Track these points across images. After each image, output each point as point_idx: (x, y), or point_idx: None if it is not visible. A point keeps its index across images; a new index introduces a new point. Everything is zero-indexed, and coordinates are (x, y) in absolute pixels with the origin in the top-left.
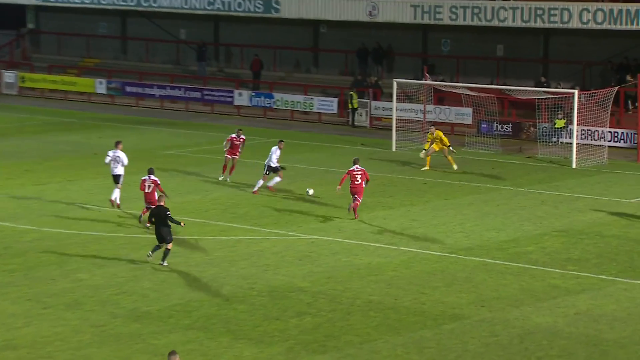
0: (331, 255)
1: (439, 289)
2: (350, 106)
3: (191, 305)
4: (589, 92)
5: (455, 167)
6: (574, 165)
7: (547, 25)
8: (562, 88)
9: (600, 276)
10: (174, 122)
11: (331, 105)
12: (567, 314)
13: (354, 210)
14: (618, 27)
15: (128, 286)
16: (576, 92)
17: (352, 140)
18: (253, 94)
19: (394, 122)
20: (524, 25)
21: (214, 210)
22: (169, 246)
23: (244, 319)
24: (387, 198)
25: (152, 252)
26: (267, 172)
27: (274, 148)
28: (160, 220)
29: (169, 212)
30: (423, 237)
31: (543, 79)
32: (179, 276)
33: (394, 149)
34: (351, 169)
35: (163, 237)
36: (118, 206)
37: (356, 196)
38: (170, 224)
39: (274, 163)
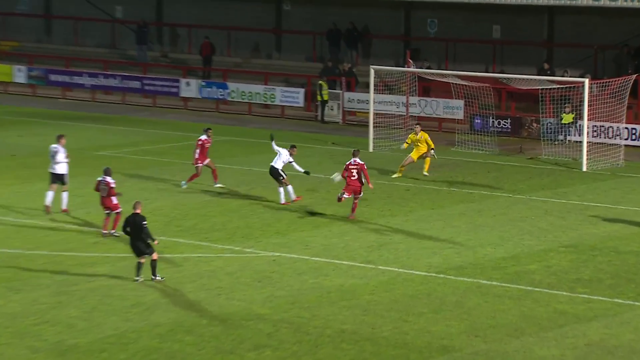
0: (296, 276)
1: (425, 316)
2: (319, 98)
3: (127, 337)
4: (601, 81)
5: (426, 172)
6: (584, 168)
7: (551, 2)
8: (570, 76)
9: (616, 300)
10: (108, 117)
11: (296, 97)
12: (577, 345)
13: (352, 210)
14: (636, 4)
15: (51, 315)
16: (586, 81)
17: (322, 139)
18: (203, 83)
19: (371, 117)
20: (524, 2)
21: (156, 223)
22: (154, 256)
23: (191, 353)
24: (363, 207)
25: (138, 274)
26: (281, 177)
27: (283, 150)
28: (136, 231)
29: (145, 223)
30: (405, 254)
31: (547, 66)
32: (113, 302)
33: (371, 149)
34: (349, 162)
35: (141, 250)
36: (64, 211)
37: (353, 195)
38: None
39: (278, 166)
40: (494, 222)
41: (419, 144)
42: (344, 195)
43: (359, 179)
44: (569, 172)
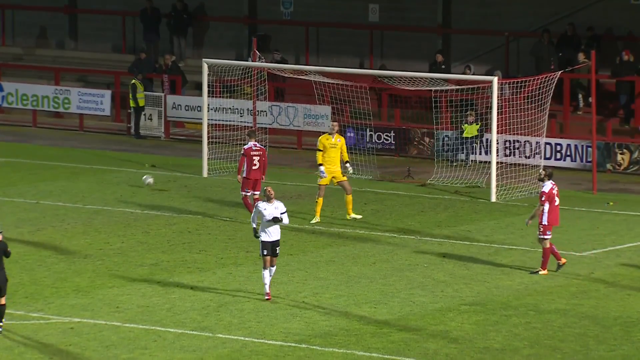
0: (103, 350)
1: None
2: (132, 104)
3: None
4: (515, 79)
5: (352, 215)
6: (493, 199)
7: None
8: (473, 74)
9: None
10: None
11: (100, 102)
12: None
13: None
14: None
15: None
16: (495, 80)
17: (136, 160)
18: None
19: (205, 129)
20: None
21: None
22: (3, 301)
23: None
24: (196, 254)
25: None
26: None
27: (260, 204)
28: None
29: (9, 251)
30: (254, 316)
31: (440, 58)
32: None
33: (205, 173)
34: (247, 146)
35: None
36: None
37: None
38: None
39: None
40: (373, 272)
41: (331, 154)
42: (249, 194)
43: (261, 168)
44: (473, 203)
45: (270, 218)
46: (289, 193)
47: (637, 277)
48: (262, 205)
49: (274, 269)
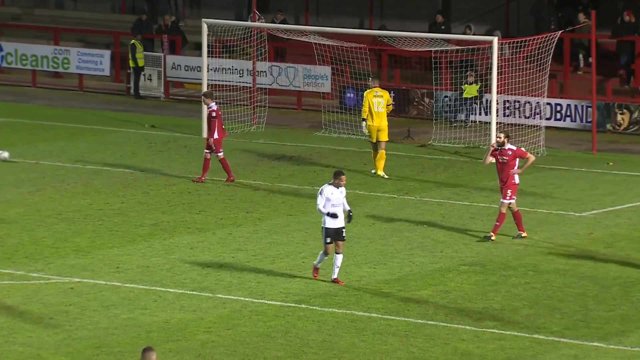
0: (103, 310)
1: None
2: (132, 64)
3: None
4: (515, 39)
5: (380, 172)
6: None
7: None
8: (474, 34)
9: (536, 336)
10: None
11: (100, 62)
12: None
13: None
14: None
15: None
16: (495, 40)
17: (136, 120)
18: None
19: (205, 90)
20: None
21: None
22: None
23: None
24: (196, 214)
25: None
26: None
27: (326, 188)
28: None
29: None
30: (254, 277)
31: (440, 19)
32: None
33: (204, 134)
34: (215, 107)
35: None
36: None
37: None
38: None
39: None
40: (373, 232)
41: (380, 106)
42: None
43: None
44: (473, 164)
45: (331, 212)
46: (289, 153)
47: (637, 237)
48: (328, 189)
49: (340, 256)
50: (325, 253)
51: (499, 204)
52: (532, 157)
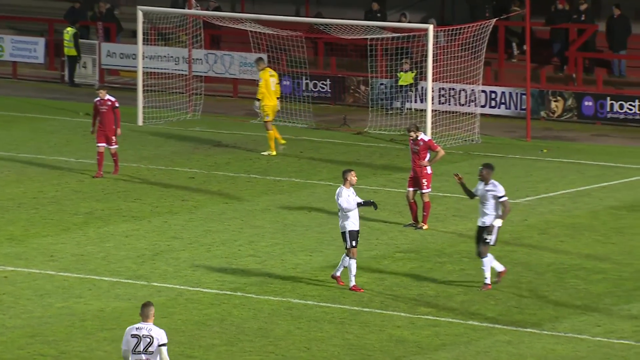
0: (37, 299)
1: (216, 349)
2: (66, 52)
3: None
4: (450, 27)
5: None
6: None
7: None
8: (409, 22)
9: (470, 322)
10: None
11: (33, 50)
12: None
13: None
14: None
15: None
16: (431, 27)
17: (71, 108)
18: None
19: (140, 77)
20: None
21: None
22: None
23: None
24: (131, 202)
25: None
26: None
27: (343, 191)
28: None
29: None
30: (189, 265)
31: (376, 6)
32: None
33: (140, 122)
34: (114, 98)
35: None
36: None
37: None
38: None
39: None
40: (309, 219)
41: (274, 85)
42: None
43: (112, 125)
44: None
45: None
46: (225, 141)
47: (570, 224)
48: (345, 193)
49: (353, 260)
50: (352, 257)
51: (420, 196)
52: (442, 152)
